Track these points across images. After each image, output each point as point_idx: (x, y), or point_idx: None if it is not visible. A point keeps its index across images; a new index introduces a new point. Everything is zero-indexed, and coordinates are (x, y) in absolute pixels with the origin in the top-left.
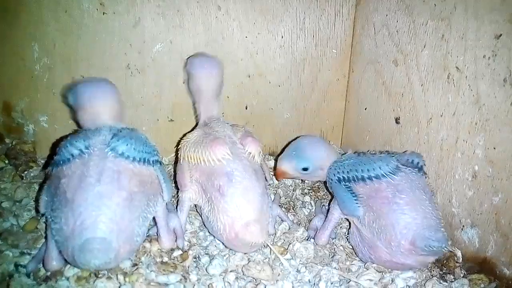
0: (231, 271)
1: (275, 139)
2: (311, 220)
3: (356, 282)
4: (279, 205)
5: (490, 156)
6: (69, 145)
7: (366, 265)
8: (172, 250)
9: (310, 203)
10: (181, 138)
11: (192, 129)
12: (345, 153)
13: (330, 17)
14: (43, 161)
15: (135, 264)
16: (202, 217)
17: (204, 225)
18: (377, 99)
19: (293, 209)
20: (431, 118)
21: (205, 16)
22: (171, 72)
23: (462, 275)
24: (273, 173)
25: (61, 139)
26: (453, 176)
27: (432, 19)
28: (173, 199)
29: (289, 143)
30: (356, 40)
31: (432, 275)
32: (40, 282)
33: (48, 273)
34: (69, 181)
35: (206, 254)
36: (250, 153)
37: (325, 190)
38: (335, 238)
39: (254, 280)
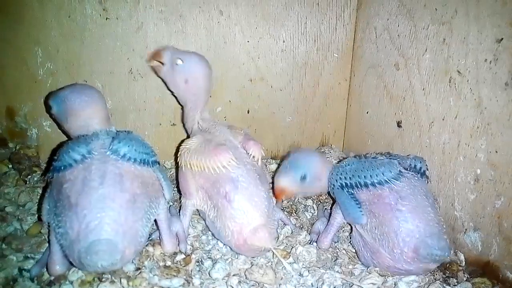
0: (234, 275)
1: (277, 143)
2: (313, 224)
3: (359, 286)
4: (282, 209)
5: (492, 160)
6: (71, 151)
7: (368, 269)
8: (175, 254)
9: (313, 206)
10: (179, 145)
11: (187, 136)
12: (346, 157)
13: (331, 21)
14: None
15: (138, 268)
16: (207, 222)
17: (208, 229)
18: (378, 103)
19: (295, 213)
20: (433, 122)
21: (207, 21)
22: None
23: (465, 279)
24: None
25: (61, 145)
26: (455, 179)
27: (433, 23)
28: (176, 203)
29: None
30: (358, 44)
31: (435, 279)
32: (44, 287)
33: (52, 278)
34: (72, 186)
35: (209, 258)
36: (254, 156)
37: (327, 194)
38: (338, 241)
39: (257, 284)
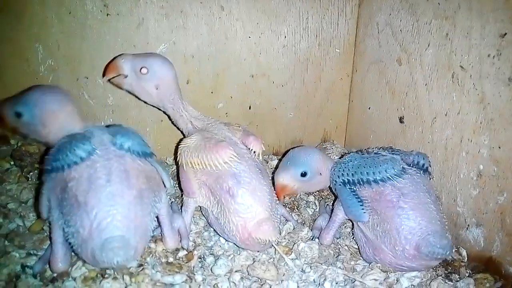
0: (236, 271)
1: (278, 138)
2: (315, 220)
3: (361, 281)
4: (283, 205)
5: (495, 155)
6: (76, 148)
7: (370, 264)
8: (177, 250)
9: (314, 202)
10: (178, 144)
11: (183, 135)
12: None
13: (333, 17)
14: None
15: (140, 265)
16: (210, 218)
17: (210, 225)
18: (381, 99)
19: (297, 209)
20: (435, 118)
21: (208, 16)
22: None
23: (467, 275)
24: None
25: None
26: (458, 175)
27: (436, 18)
28: (178, 199)
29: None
30: (360, 40)
31: (437, 275)
32: (46, 283)
33: (55, 274)
34: (78, 184)
35: (211, 254)
36: (255, 152)
37: (329, 190)
38: (340, 237)
39: (259, 280)
